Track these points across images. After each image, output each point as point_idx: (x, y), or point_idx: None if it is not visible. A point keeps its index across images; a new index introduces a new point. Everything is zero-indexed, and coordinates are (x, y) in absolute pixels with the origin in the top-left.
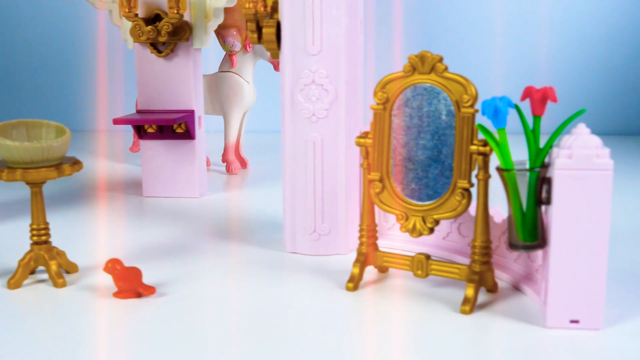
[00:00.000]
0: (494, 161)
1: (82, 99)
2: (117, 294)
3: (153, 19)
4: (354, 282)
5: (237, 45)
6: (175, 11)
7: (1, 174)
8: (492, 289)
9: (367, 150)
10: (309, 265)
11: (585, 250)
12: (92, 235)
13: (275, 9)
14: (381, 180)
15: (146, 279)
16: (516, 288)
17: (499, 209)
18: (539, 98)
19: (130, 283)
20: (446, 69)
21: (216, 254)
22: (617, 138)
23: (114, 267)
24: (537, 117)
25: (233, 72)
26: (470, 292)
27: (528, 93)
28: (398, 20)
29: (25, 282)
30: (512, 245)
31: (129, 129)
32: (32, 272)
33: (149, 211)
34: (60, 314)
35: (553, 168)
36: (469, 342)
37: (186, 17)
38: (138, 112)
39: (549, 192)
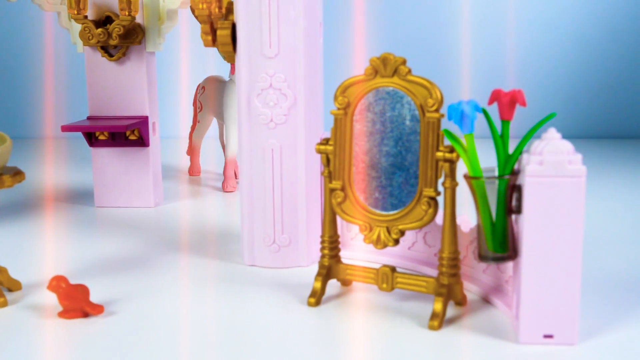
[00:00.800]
0: (461, 168)
1: (28, 105)
2: (62, 314)
3: (104, 21)
4: (316, 297)
5: None
6: (127, 13)
7: None
8: (461, 302)
9: (327, 157)
10: (268, 278)
11: (558, 262)
12: (37, 249)
13: (230, 10)
14: (343, 189)
15: (95, 297)
16: (486, 300)
17: (467, 217)
18: (507, 102)
19: (76, 302)
20: (410, 71)
21: (171, 268)
22: (589, 141)
23: (58, 285)
24: (505, 121)
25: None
26: (438, 306)
27: (496, 96)
28: (360, 21)
29: None
30: (482, 257)
31: (78, 136)
32: None
33: (101, 222)
34: (0, 335)
35: (523, 175)
36: None
37: (138, 20)
38: (89, 118)
39: (519, 200)
